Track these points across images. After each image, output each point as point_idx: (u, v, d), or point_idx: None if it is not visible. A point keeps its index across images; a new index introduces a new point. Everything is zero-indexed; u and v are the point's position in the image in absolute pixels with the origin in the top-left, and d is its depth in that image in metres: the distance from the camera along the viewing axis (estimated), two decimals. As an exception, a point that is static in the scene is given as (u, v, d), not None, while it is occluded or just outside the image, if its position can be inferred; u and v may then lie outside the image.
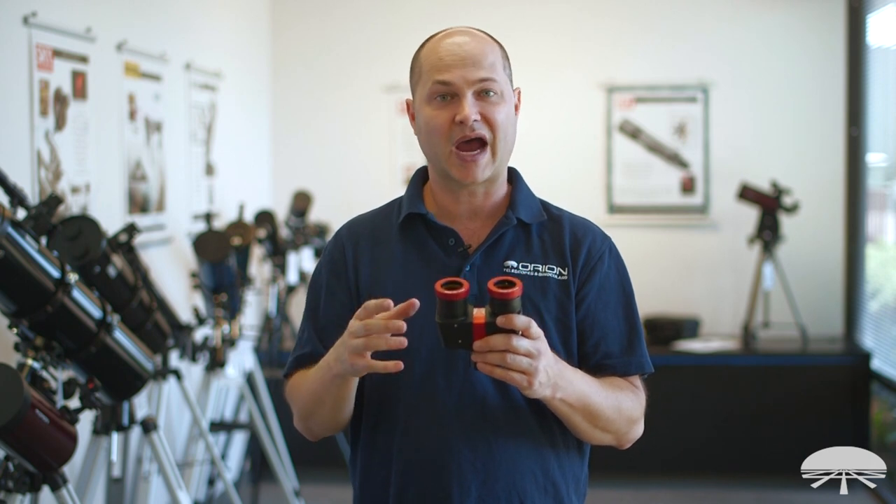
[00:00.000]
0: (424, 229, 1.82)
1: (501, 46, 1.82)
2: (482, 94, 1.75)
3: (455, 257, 1.79)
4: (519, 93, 1.84)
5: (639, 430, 1.83)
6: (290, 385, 1.85)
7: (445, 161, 1.76)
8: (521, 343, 1.58)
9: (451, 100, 1.74)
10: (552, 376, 1.64)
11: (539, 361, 1.60)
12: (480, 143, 1.75)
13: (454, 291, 1.57)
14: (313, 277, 1.89)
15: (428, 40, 1.82)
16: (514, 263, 1.79)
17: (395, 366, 1.61)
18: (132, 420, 2.99)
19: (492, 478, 1.74)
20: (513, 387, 1.74)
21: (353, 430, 1.87)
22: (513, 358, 1.58)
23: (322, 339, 1.82)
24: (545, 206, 1.87)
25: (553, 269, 1.80)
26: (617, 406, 1.75)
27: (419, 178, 1.89)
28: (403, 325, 1.59)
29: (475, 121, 1.73)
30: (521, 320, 1.57)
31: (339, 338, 1.67)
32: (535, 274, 1.79)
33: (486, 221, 1.82)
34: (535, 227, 1.83)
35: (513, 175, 1.87)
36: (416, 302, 1.60)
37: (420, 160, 5.98)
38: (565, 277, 1.80)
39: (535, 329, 1.60)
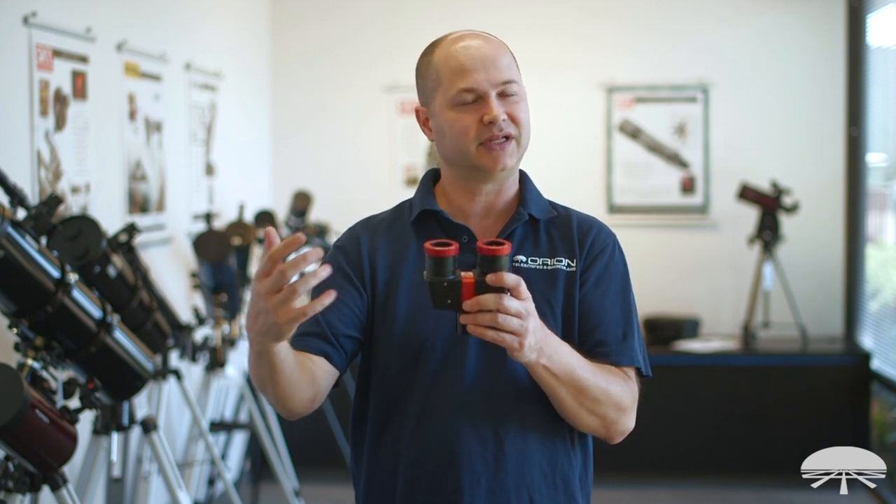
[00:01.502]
0: (438, 227, 1.84)
1: (508, 47, 1.84)
2: (504, 95, 1.77)
3: (469, 254, 1.80)
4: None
5: (628, 421, 1.79)
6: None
7: (473, 156, 1.77)
8: (511, 303, 1.57)
9: (475, 102, 1.76)
10: (539, 340, 1.63)
11: (528, 322, 1.59)
12: (507, 138, 1.78)
13: (443, 248, 1.57)
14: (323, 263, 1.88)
15: (436, 46, 1.82)
16: (523, 258, 1.81)
17: (328, 296, 1.50)
18: (132, 420, 2.99)
19: (502, 470, 1.75)
20: (521, 381, 1.75)
21: (354, 428, 1.87)
22: (503, 318, 1.57)
23: (324, 315, 1.77)
24: (552, 204, 1.90)
25: (562, 261, 1.82)
26: (605, 388, 1.74)
27: (429, 180, 1.91)
28: (317, 252, 1.47)
29: (503, 120, 1.75)
30: (510, 278, 1.57)
31: (260, 317, 1.52)
32: (545, 267, 1.81)
33: (497, 219, 1.84)
34: (543, 223, 1.85)
35: (522, 176, 1.90)
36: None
37: (420, 160, 6.00)
38: (574, 269, 1.82)
39: (525, 289, 1.59)
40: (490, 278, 1.56)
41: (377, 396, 1.82)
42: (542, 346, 1.64)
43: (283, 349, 1.60)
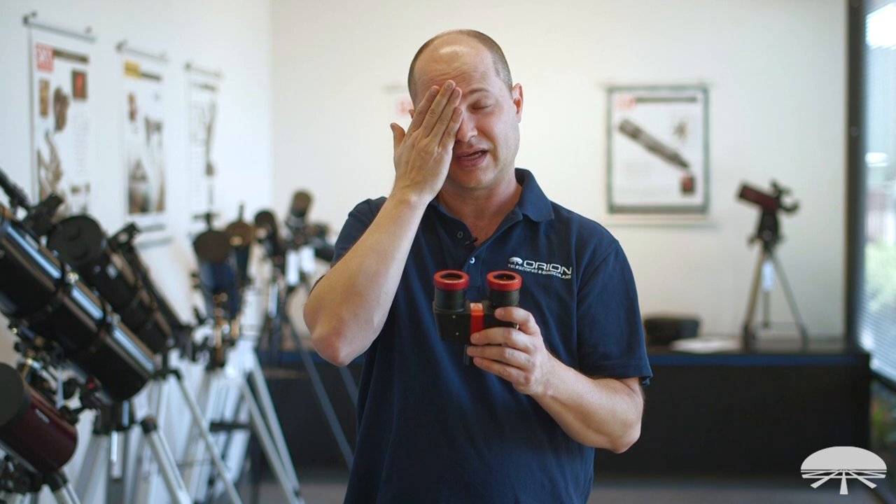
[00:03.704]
0: (435, 218, 1.84)
1: (495, 48, 1.82)
2: (476, 108, 1.76)
3: (462, 249, 1.81)
4: (520, 89, 1.84)
5: (634, 434, 1.82)
6: (318, 286, 1.73)
7: (449, 171, 1.76)
8: (519, 338, 1.59)
9: None
10: (545, 373, 1.64)
11: (536, 357, 1.61)
12: (481, 153, 1.77)
13: (453, 281, 1.57)
14: (347, 222, 1.88)
15: (421, 51, 1.82)
16: (518, 260, 1.80)
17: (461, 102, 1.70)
18: (132, 420, 2.99)
19: (486, 468, 1.75)
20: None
21: (357, 411, 1.88)
22: (511, 353, 1.59)
23: None
24: (556, 207, 1.89)
25: (557, 269, 1.81)
26: (611, 408, 1.75)
27: None
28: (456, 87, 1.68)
29: (472, 136, 1.74)
30: (519, 313, 1.58)
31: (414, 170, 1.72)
32: (540, 272, 1.80)
33: (492, 219, 1.84)
34: (542, 226, 1.84)
35: (525, 175, 1.89)
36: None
37: (420, 160, 5.99)
38: (569, 277, 1.81)
39: (533, 324, 1.61)
40: (499, 313, 1.57)
41: (373, 391, 1.82)
42: (548, 377, 1.65)
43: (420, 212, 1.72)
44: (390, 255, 1.68)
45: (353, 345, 1.68)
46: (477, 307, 1.58)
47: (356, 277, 1.66)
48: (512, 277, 1.58)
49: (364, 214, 1.86)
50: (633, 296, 1.86)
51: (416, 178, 1.70)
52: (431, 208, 1.83)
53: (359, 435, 1.86)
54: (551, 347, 1.76)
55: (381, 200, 1.88)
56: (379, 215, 1.72)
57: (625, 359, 1.81)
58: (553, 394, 1.68)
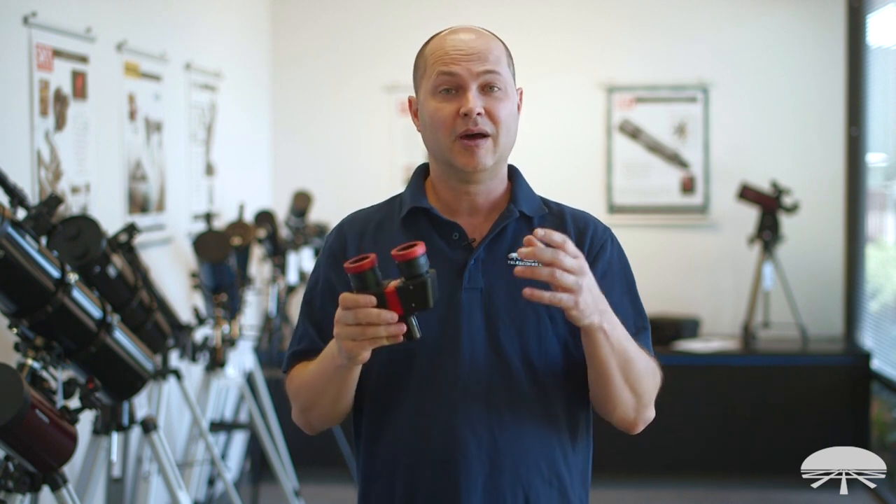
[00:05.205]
0: (428, 224, 1.83)
1: (505, 45, 1.83)
2: (487, 89, 1.76)
3: (459, 251, 1.80)
4: (521, 93, 1.85)
5: (652, 409, 1.81)
6: (290, 380, 1.85)
7: (448, 151, 1.76)
8: (566, 259, 1.56)
9: (456, 93, 1.75)
10: (596, 297, 1.62)
11: (583, 279, 1.58)
12: (483, 136, 1.76)
13: (359, 264, 1.57)
14: (312, 271, 1.90)
15: (432, 38, 1.84)
16: (517, 256, 1.79)
17: (397, 337, 1.57)
18: (132, 420, 2.99)
19: (497, 470, 1.74)
20: (518, 381, 1.75)
21: (355, 426, 1.87)
22: (561, 274, 1.56)
23: (319, 333, 1.82)
24: (545, 201, 1.88)
25: None
26: (646, 362, 1.76)
27: (420, 175, 1.90)
28: (395, 316, 1.56)
29: (479, 115, 1.74)
30: (557, 235, 1.56)
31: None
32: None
33: (487, 217, 1.83)
34: (536, 220, 1.83)
35: (512, 172, 1.88)
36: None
37: (420, 160, 5.99)
38: None
39: (572, 247, 1.58)
40: (539, 233, 1.55)
41: (372, 395, 1.81)
42: (601, 306, 1.64)
43: (358, 371, 1.72)
44: (329, 393, 1.75)
45: (323, 428, 1.85)
46: (391, 285, 1.57)
47: (308, 405, 1.80)
48: (413, 245, 1.56)
49: (332, 251, 1.86)
50: (632, 280, 1.87)
51: (339, 348, 1.63)
52: (423, 212, 1.82)
53: (360, 458, 1.86)
54: (562, 342, 1.76)
55: (351, 223, 1.88)
56: (327, 355, 1.72)
57: (637, 339, 1.80)
58: (608, 327, 1.65)
